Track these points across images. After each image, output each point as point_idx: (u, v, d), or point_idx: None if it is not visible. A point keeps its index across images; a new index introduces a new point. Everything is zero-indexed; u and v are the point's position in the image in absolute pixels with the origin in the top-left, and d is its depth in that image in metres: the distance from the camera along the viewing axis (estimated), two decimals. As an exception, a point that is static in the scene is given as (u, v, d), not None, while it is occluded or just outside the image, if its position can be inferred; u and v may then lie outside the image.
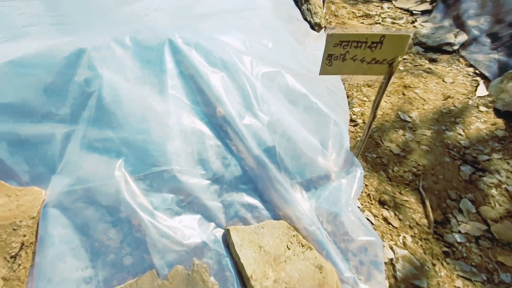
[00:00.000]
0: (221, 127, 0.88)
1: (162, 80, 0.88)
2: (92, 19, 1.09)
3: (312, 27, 2.27)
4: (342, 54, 0.89)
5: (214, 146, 0.87)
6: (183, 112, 0.87)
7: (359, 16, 2.97)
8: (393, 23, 2.87)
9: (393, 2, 3.29)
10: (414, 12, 3.02)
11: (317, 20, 2.26)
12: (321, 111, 1.03)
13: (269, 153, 0.88)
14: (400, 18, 2.94)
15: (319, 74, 0.91)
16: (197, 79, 0.88)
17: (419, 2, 3.09)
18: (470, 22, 2.43)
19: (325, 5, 2.76)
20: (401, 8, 3.14)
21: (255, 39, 1.06)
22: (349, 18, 2.93)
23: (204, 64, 0.90)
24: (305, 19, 2.24)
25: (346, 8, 3.17)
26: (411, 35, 0.84)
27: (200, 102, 0.89)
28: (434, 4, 3.01)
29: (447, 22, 2.64)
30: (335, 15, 3.00)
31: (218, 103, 0.87)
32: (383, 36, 0.87)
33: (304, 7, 2.21)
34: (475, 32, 2.33)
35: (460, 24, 2.51)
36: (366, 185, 1.29)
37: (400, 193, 1.29)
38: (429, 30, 2.48)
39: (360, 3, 3.32)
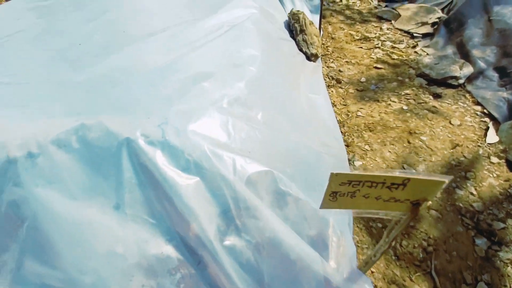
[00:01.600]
0: (194, 250, 0.70)
1: (119, 193, 0.69)
2: (32, 94, 0.88)
3: (308, 58, 2.10)
4: (350, 192, 0.67)
5: (187, 276, 0.69)
6: (145, 234, 0.68)
7: (358, 40, 2.80)
8: (393, 47, 2.71)
9: (393, 22, 3.13)
10: (415, 35, 2.86)
11: (314, 51, 2.08)
12: (324, 220, 0.85)
13: (255, 281, 0.71)
14: (401, 42, 2.78)
15: (320, 208, 0.70)
16: (164, 188, 0.70)
17: (419, 24, 2.93)
18: (475, 52, 2.28)
19: (322, 26, 2.58)
20: (401, 30, 2.99)
21: (240, 113, 0.88)
22: (347, 42, 2.76)
23: (172, 169, 0.71)
24: (301, 50, 2.06)
25: (343, 29, 3.00)
26: (447, 181, 0.60)
27: (168, 219, 0.71)
28: (435, 27, 2.86)
29: (450, 49, 2.49)
30: (332, 38, 2.83)
31: (191, 219, 0.69)
32: (408, 179, 0.64)
33: (300, 37, 2.03)
34: (481, 64, 2.18)
35: (464, 53, 2.36)
36: (372, 272, 1.13)
37: (411, 279, 1.13)
38: (432, 59, 2.32)
39: (358, 23, 3.15)
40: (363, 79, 2.25)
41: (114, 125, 0.71)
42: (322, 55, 2.34)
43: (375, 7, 3.56)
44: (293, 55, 1.86)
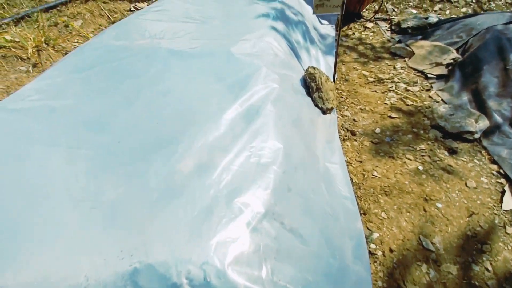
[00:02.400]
0: None
1: None
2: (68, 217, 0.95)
3: (324, 112, 2.15)
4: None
5: None
6: None
7: (371, 82, 2.83)
8: (407, 90, 2.73)
9: (406, 60, 3.15)
10: (429, 75, 2.88)
11: (329, 106, 2.14)
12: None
13: None
14: (415, 84, 2.80)
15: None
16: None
17: (434, 65, 2.94)
18: (492, 104, 2.29)
19: (336, 68, 2.63)
20: (414, 69, 3.01)
21: (269, 231, 0.93)
22: (360, 85, 2.80)
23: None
24: (316, 105, 2.12)
25: (357, 69, 3.04)
26: None
27: None
28: (450, 68, 2.87)
29: (465, 97, 2.50)
30: (346, 80, 2.88)
31: None
32: None
33: (316, 95, 2.09)
34: (497, 118, 2.19)
35: (480, 103, 2.37)
36: None
37: None
38: (447, 109, 2.34)
39: (371, 61, 3.19)
40: (377, 130, 2.28)
41: (161, 267, 0.78)
42: (337, 105, 2.39)
43: (388, 40, 3.59)
44: (310, 117, 1.92)
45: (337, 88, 2.70)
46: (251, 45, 1.96)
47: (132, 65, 1.75)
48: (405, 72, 2.99)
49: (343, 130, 2.28)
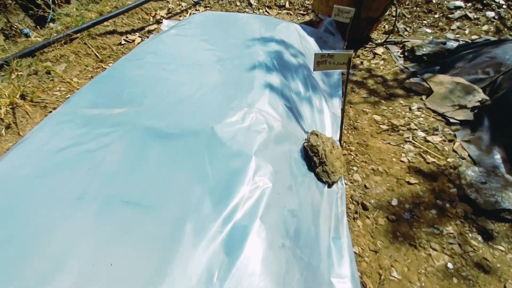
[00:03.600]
0: None
1: None
2: None
3: (329, 185, 1.82)
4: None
5: None
6: None
7: (384, 131, 2.47)
8: (426, 140, 2.36)
9: (424, 99, 2.76)
10: (451, 121, 2.49)
11: (335, 178, 1.80)
12: None
13: None
14: (435, 131, 2.42)
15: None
16: None
17: (456, 107, 2.55)
18: (533, 169, 1.90)
19: (343, 127, 2.28)
20: (434, 111, 2.62)
21: None
22: (371, 135, 2.44)
23: None
24: (320, 179, 1.78)
25: (367, 112, 2.67)
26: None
27: None
28: (476, 112, 2.48)
29: (498, 154, 2.10)
30: (355, 128, 2.52)
31: None
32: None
33: (319, 169, 1.75)
34: (542, 190, 1.80)
35: (517, 165, 1.98)
36: None
37: None
38: (477, 173, 1.96)
39: (383, 100, 2.81)
40: (394, 202, 1.93)
41: None
42: (344, 171, 2.04)
43: (402, 71, 3.20)
44: (312, 203, 1.58)
45: (344, 142, 2.35)
46: (240, 118, 1.64)
47: (102, 158, 1.46)
48: (423, 115, 2.60)
49: (353, 203, 1.93)
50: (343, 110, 2.04)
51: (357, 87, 2.99)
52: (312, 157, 1.75)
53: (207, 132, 1.54)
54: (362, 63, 3.41)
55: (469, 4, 4.08)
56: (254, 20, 2.90)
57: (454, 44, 3.30)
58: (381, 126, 2.52)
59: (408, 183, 2.03)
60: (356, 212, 1.87)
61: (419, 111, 2.65)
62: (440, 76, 2.85)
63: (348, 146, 2.33)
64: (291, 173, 1.56)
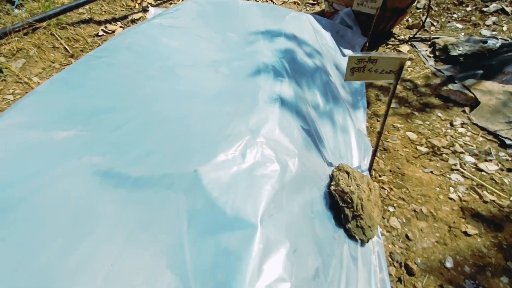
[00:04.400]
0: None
1: None
2: None
3: (362, 242, 1.28)
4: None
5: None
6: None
7: (423, 155, 1.92)
8: (478, 169, 1.82)
9: (467, 112, 2.21)
10: (507, 142, 1.95)
11: (372, 235, 1.27)
12: None
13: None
14: (488, 156, 1.88)
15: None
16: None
17: (513, 125, 2.01)
18: None
19: (379, 142, 1.74)
20: (482, 129, 2.08)
21: None
22: (407, 159, 1.89)
23: None
24: (351, 236, 1.25)
25: (398, 128, 2.12)
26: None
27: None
28: (540, 131, 1.94)
29: None
30: (385, 149, 1.97)
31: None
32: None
33: (352, 224, 1.21)
34: None
35: None
36: None
37: None
38: (561, 223, 1.43)
39: (416, 111, 2.26)
40: (448, 262, 1.40)
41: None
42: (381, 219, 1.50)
43: (434, 74, 2.64)
44: (350, 283, 1.05)
45: (374, 169, 1.80)
46: (238, 153, 1.08)
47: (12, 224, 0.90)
48: (469, 133, 2.06)
49: (394, 265, 1.39)
50: (380, 134, 1.49)
51: (382, 95, 2.43)
52: (342, 208, 1.20)
53: (188, 178, 0.99)
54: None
55: (506, -4, 3.50)
56: (258, 8, 2.32)
57: (497, 43, 2.74)
58: (418, 147, 1.97)
59: (465, 233, 1.50)
60: (400, 280, 1.34)
61: (463, 127, 2.11)
62: (487, 83, 2.30)
63: (379, 175, 1.79)
64: (316, 245, 1.01)
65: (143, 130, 1.20)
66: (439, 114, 2.21)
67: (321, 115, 1.65)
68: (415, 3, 3.20)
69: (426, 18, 2.91)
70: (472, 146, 1.97)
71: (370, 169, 1.70)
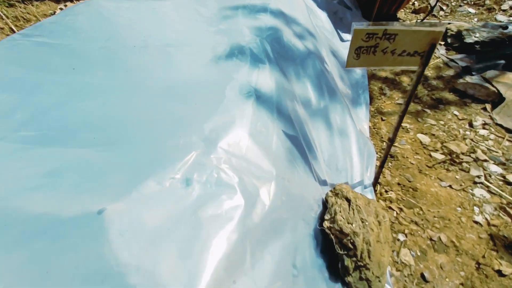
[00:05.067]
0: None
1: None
2: None
3: (368, 294, 0.90)
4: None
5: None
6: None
7: (439, 164, 1.54)
8: (507, 182, 1.45)
9: (488, 109, 1.83)
10: (541, 148, 1.58)
11: (380, 285, 0.89)
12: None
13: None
14: (517, 166, 1.52)
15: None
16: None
17: (548, 127, 1.64)
18: None
19: (388, 151, 1.36)
20: (508, 130, 1.71)
21: None
22: (420, 170, 1.51)
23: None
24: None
25: (407, 130, 1.74)
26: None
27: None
28: None
29: None
30: (392, 156, 1.59)
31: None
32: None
33: (354, 277, 0.83)
34: None
35: None
36: None
37: None
38: None
39: (427, 110, 1.87)
40: (479, 315, 1.04)
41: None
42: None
43: (446, 64, 2.26)
44: None
45: (379, 183, 1.42)
46: (178, 183, 0.68)
47: None
48: (492, 136, 1.69)
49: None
50: (391, 141, 1.10)
51: (388, 88, 2.04)
52: (341, 256, 0.82)
53: (87, 224, 0.59)
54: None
55: (524, -23, 3.09)
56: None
57: (519, 29, 2.35)
58: (432, 154, 1.59)
59: (499, 273, 1.13)
60: None
61: (485, 128, 1.74)
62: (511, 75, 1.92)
63: (385, 191, 1.41)
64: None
65: (48, 147, 0.79)
66: (455, 112, 1.83)
67: (313, 114, 1.26)
68: (424, -17, 2.78)
69: (437, 1, 2.50)
70: (497, 152, 1.60)
71: (375, 183, 1.32)
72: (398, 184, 1.45)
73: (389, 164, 1.54)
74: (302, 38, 1.52)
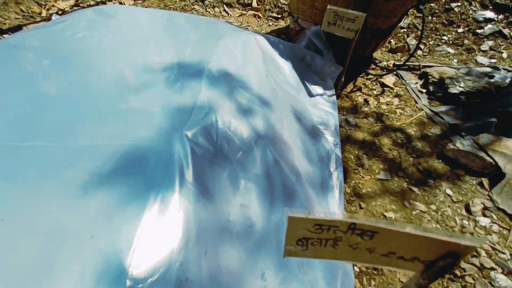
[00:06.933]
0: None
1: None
2: None
3: None
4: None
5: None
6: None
7: (436, 282, 1.14)
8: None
9: (489, 191, 1.48)
10: (558, 250, 1.22)
11: None
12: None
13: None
14: (534, 278, 1.15)
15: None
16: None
17: None
18: None
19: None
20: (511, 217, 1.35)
21: None
22: (412, 292, 1.11)
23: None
24: None
25: (392, 221, 1.35)
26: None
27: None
28: None
29: None
30: (376, 271, 1.18)
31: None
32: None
33: None
34: None
35: None
36: None
37: None
38: None
39: (414, 189, 1.49)
40: None
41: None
42: None
43: (430, 119, 1.92)
44: None
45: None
46: None
47: None
48: (495, 225, 1.32)
49: None
50: None
51: (366, 156, 1.65)
52: None
53: None
54: (367, 102, 2.09)
55: (501, 16, 2.91)
56: (176, 22, 1.47)
57: (506, 78, 2.08)
58: (426, 263, 1.19)
59: None
60: None
61: (485, 215, 1.37)
62: (510, 142, 1.59)
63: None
64: None
65: None
66: (448, 192, 1.47)
67: (258, 243, 0.81)
68: (400, 23, 2.50)
69: (420, 38, 2.19)
70: (504, 253, 1.23)
71: None
72: (385, 319, 1.02)
73: (372, 282, 1.12)
74: (249, 114, 1.10)
